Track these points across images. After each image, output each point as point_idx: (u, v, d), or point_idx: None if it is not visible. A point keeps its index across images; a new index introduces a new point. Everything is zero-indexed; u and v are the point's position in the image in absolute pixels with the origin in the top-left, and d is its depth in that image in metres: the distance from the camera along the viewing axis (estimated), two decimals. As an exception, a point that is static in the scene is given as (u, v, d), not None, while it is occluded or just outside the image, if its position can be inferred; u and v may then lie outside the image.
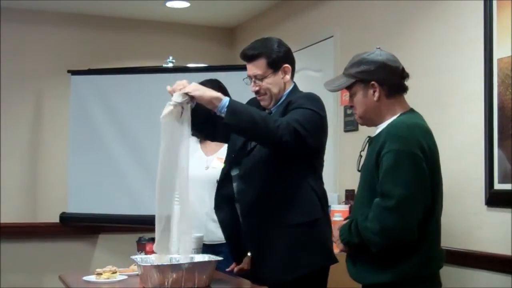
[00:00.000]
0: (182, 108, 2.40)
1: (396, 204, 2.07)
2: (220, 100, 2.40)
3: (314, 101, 2.54)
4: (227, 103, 2.39)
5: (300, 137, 2.42)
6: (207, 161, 3.25)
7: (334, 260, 2.58)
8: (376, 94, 2.24)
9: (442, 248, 2.31)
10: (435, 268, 2.26)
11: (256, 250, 2.64)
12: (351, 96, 2.35)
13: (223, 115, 2.38)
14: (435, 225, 2.23)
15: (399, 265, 2.15)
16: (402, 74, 2.27)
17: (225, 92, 3.20)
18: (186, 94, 2.39)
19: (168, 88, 2.46)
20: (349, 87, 2.34)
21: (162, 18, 5.48)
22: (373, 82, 2.24)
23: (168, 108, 2.40)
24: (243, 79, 2.74)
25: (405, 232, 2.10)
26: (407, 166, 2.09)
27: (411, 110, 2.30)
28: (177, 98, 2.39)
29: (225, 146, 3.15)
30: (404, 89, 2.29)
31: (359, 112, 2.34)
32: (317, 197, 2.56)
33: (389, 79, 2.24)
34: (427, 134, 2.21)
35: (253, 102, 2.86)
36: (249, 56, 2.65)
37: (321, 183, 2.64)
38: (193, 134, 3.26)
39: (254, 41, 2.68)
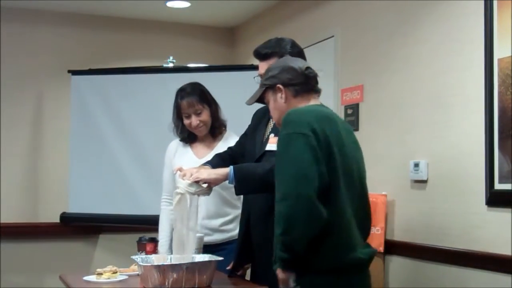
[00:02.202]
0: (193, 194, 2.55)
1: (289, 190, 2.01)
2: (227, 173, 2.53)
3: None
4: (232, 173, 2.51)
5: None
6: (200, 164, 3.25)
7: None
8: (283, 96, 2.29)
9: (355, 241, 2.17)
10: (343, 258, 2.12)
11: (260, 260, 2.65)
12: (268, 104, 2.38)
13: (234, 184, 2.52)
14: (338, 210, 2.10)
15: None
16: (305, 73, 2.29)
17: (207, 95, 3.19)
18: (197, 182, 2.54)
19: (179, 173, 2.61)
20: (264, 97, 2.37)
21: (163, 18, 5.48)
22: (278, 85, 2.29)
23: (177, 197, 2.54)
24: (254, 77, 2.75)
25: (305, 207, 2.00)
26: (298, 145, 2.06)
27: (319, 105, 2.30)
28: (190, 187, 2.53)
29: (216, 148, 3.17)
30: (311, 87, 2.31)
31: (275, 118, 2.37)
32: None
33: (292, 79, 2.28)
34: (324, 119, 2.17)
35: (259, 112, 2.89)
36: (263, 55, 2.68)
37: None
38: (181, 140, 3.26)
39: (267, 40, 2.72)
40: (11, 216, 4.97)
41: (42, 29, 5.22)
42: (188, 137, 3.23)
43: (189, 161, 3.14)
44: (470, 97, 3.01)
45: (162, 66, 4.83)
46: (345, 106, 4.00)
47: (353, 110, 3.92)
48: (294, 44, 2.69)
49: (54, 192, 5.11)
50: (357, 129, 3.87)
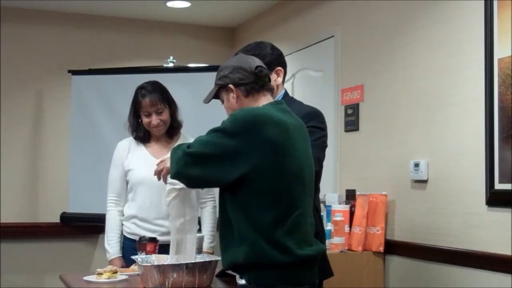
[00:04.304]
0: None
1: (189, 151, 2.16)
2: None
3: (317, 117, 2.56)
4: None
5: (318, 175, 2.49)
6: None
7: (329, 274, 2.59)
8: (234, 95, 2.31)
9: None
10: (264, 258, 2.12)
11: None
12: (223, 104, 2.40)
13: None
14: (292, 206, 2.15)
15: (231, 249, 2.16)
16: (256, 72, 2.30)
17: (168, 94, 3.16)
18: None
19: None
20: (218, 96, 2.39)
21: (163, 18, 5.49)
22: (229, 85, 2.31)
23: (173, 193, 2.46)
24: None
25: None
26: (214, 134, 2.16)
27: (272, 105, 2.28)
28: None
29: (172, 147, 3.13)
30: (262, 86, 2.31)
31: None
32: (317, 210, 2.57)
33: (243, 79, 2.30)
34: (273, 124, 2.15)
35: None
36: None
37: (318, 194, 2.66)
38: (135, 138, 3.23)
39: (247, 44, 2.73)
40: (11, 216, 4.97)
41: (42, 29, 5.23)
42: (144, 136, 3.20)
43: (145, 160, 3.10)
44: (470, 97, 3.01)
45: (162, 66, 4.83)
46: (345, 106, 4.00)
47: (353, 110, 3.92)
48: (273, 47, 2.71)
49: (54, 192, 5.11)
50: (357, 129, 3.88)
